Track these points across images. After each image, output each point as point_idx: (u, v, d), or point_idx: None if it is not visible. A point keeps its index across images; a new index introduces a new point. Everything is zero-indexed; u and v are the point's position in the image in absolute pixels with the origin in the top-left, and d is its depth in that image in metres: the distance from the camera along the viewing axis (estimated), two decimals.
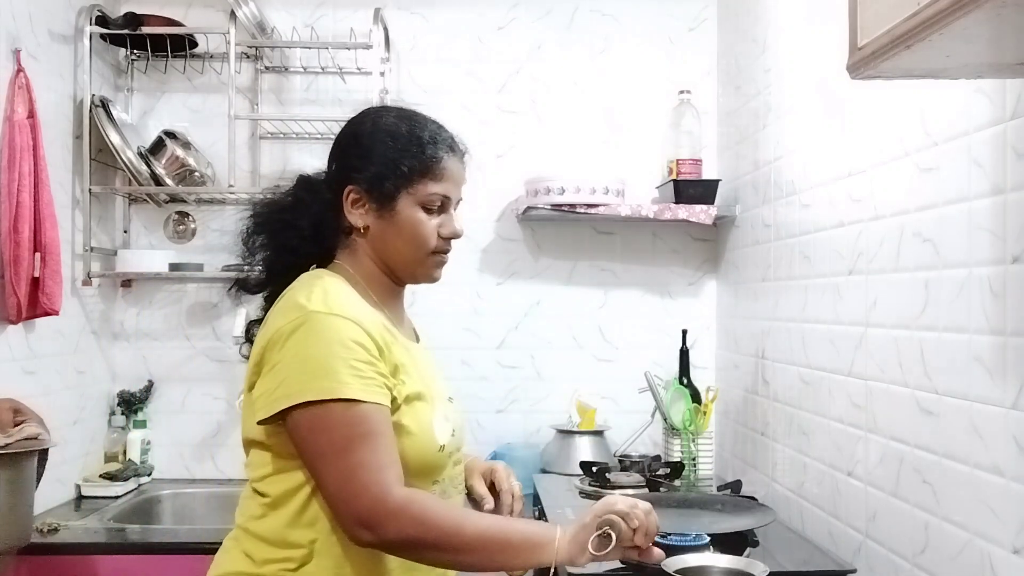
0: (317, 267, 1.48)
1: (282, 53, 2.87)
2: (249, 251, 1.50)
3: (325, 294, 1.36)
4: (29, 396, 2.29)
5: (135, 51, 2.80)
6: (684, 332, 2.71)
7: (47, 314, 2.28)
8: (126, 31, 2.62)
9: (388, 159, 1.44)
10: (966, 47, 0.98)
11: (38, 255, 2.24)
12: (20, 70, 2.23)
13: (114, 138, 2.59)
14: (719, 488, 2.32)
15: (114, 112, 2.62)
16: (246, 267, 1.51)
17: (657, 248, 2.90)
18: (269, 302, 1.49)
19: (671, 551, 1.63)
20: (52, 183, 2.31)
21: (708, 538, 1.68)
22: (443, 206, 1.48)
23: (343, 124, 1.55)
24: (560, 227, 2.87)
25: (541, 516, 2.08)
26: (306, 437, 1.30)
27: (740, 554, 1.67)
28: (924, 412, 1.50)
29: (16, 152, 2.17)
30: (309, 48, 2.82)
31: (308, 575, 1.33)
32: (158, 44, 2.71)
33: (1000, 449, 1.29)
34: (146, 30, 2.65)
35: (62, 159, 2.50)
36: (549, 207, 2.65)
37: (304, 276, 1.44)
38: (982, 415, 1.33)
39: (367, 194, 1.45)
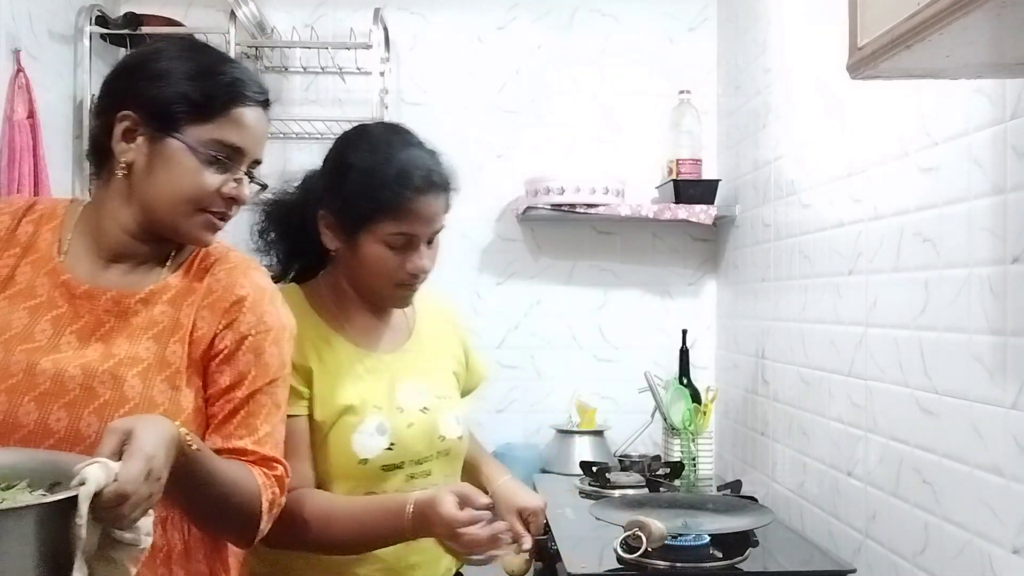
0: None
1: (282, 53, 2.87)
2: (267, 244, 1.57)
3: None
4: None
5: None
6: (684, 332, 2.71)
7: None
8: (126, 31, 2.62)
9: (350, 195, 1.44)
10: (966, 47, 0.98)
11: None
12: (20, 70, 2.22)
13: None
14: (719, 488, 2.32)
15: None
16: (273, 262, 1.57)
17: (657, 248, 2.90)
18: None
19: (672, 552, 1.63)
20: (52, 183, 2.31)
21: (708, 538, 1.68)
22: (410, 243, 1.46)
23: (343, 124, 1.57)
24: (560, 227, 2.87)
25: None
26: None
27: (741, 554, 1.67)
28: (924, 412, 1.50)
29: (16, 152, 2.17)
30: (309, 48, 2.82)
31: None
32: None
33: (1000, 449, 1.29)
34: (146, 30, 2.64)
35: (62, 159, 2.50)
36: (549, 207, 2.65)
37: None
38: (982, 415, 1.33)
39: (335, 222, 1.47)
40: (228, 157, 1.21)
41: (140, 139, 1.19)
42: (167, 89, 1.18)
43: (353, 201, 1.44)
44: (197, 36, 2.72)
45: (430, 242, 1.51)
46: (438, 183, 1.48)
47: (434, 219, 1.48)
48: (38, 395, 1.14)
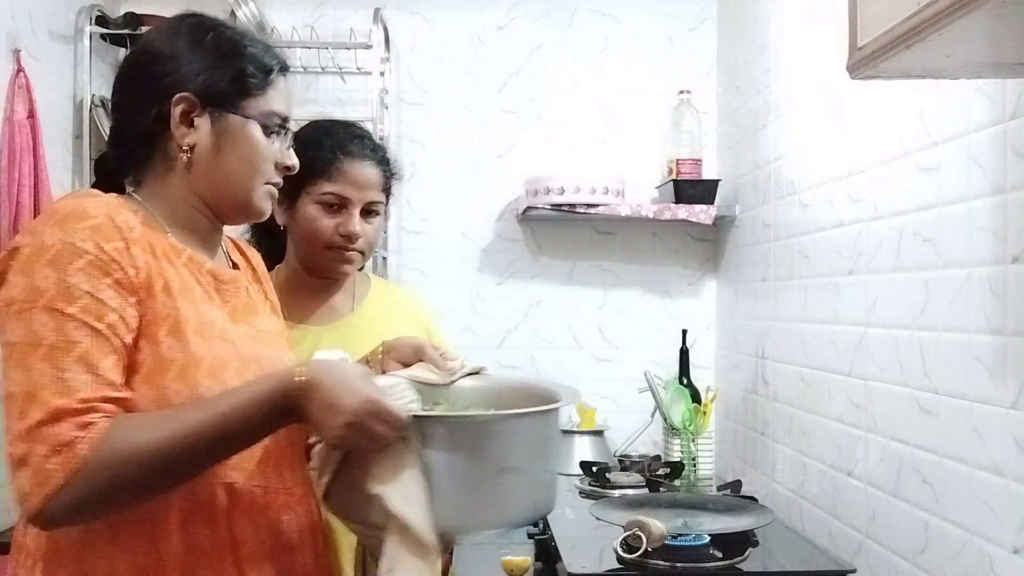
0: None
1: (282, 53, 2.86)
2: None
3: None
4: None
5: None
6: (684, 332, 2.71)
7: None
8: (126, 31, 2.62)
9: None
10: (966, 47, 0.98)
11: None
12: (20, 70, 2.23)
13: None
14: (719, 488, 2.32)
15: None
16: None
17: (657, 248, 2.90)
18: None
19: (672, 552, 1.63)
20: (52, 183, 2.31)
21: (708, 538, 1.68)
22: (343, 206, 1.60)
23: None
24: (560, 227, 2.87)
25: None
26: None
27: (741, 554, 1.67)
28: (924, 412, 1.50)
29: (16, 152, 2.17)
30: (309, 48, 2.82)
31: None
32: None
33: (1000, 449, 1.29)
34: (146, 30, 2.64)
35: (62, 159, 2.50)
36: (549, 207, 2.65)
37: None
38: (982, 415, 1.33)
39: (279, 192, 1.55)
40: (280, 126, 1.23)
41: (199, 121, 1.18)
42: (219, 69, 1.19)
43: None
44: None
45: (368, 215, 1.63)
46: (372, 154, 1.63)
47: (366, 186, 1.61)
48: None
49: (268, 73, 1.22)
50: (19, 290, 1.05)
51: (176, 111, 1.17)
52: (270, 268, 1.60)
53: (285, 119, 1.24)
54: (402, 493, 1.08)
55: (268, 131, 1.21)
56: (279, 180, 1.26)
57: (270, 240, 1.68)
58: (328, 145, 1.59)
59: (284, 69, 1.27)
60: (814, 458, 1.98)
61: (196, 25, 1.23)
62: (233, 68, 1.19)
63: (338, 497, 1.17)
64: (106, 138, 2.55)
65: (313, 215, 1.59)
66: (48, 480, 0.98)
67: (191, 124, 1.18)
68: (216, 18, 1.29)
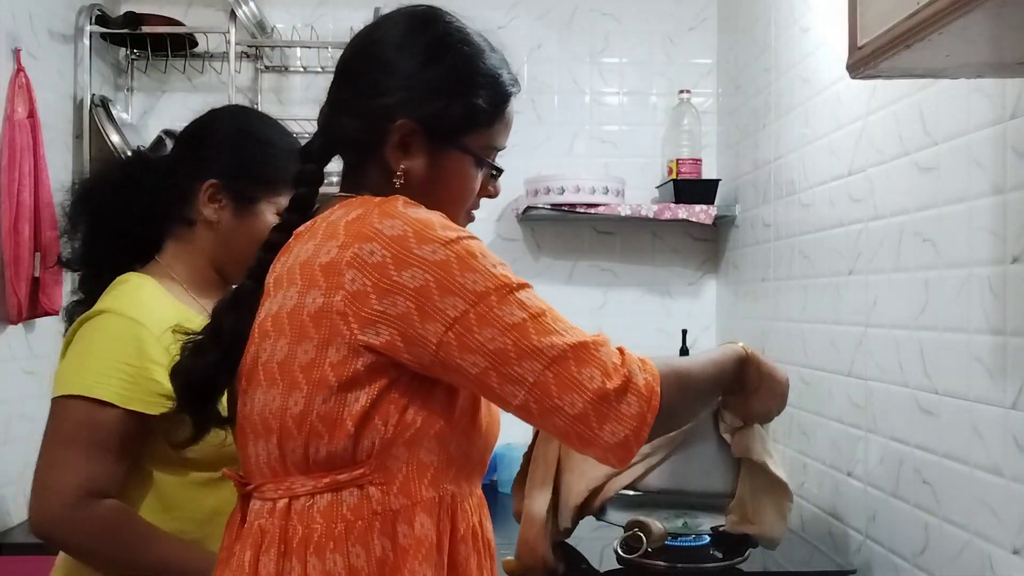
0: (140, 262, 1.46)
1: (282, 53, 2.87)
2: (72, 226, 1.49)
3: (122, 294, 1.38)
4: (29, 397, 2.29)
5: (135, 51, 2.80)
6: (684, 332, 2.71)
7: (47, 314, 2.28)
8: (126, 30, 2.62)
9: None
10: (966, 46, 0.98)
11: (38, 255, 2.23)
12: (20, 70, 2.22)
13: (114, 138, 2.59)
14: None
15: (114, 112, 2.62)
16: (73, 243, 1.50)
17: (657, 248, 2.90)
18: (87, 283, 1.49)
19: (672, 552, 1.63)
20: (52, 183, 2.31)
21: (708, 538, 1.68)
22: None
23: None
24: (560, 227, 2.87)
25: None
26: (48, 424, 1.31)
27: (741, 554, 1.67)
28: (924, 412, 1.50)
29: (16, 152, 2.17)
30: (309, 47, 2.82)
31: None
32: (158, 44, 2.70)
33: (1000, 449, 1.29)
34: (146, 29, 2.64)
35: (62, 159, 2.50)
36: (549, 207, 2.65)
37: (119, 279, 1.42)
38: (982, 415, 1.33)
39: (226, 192, 1.44)
40: (493, 157, 1.18)
41: (416, 149, 1.11)
42: (450, 101, 1.12)
43: (252, 169, 1.48)
44: (197, 35, 2.74)
45: None
46: None
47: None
48: None
49: (501, 104, 1.16)
50: (482, 278, 1.06)
51: (395, 137, 1.10)
52: (122, 267, 1.45)
53: (501, 149, 1.18)
54: (776, 459, 1.35)
55: (481, 164, 1.15)
56: (479, 205, 1.20)
57: (134, 229, 1.47)
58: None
59: (518, 92, 1.19)
60: (814, 458, 1.98)
61: (436, 38, 1.16)
62: (465, 102, 1.12)
63: (674, 470, 1.43)
64: (106, 138, 2.57)
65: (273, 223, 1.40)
66: (652, 393, 1.02)
67: (408, 150, 1.11)
68: (456, 24, 1.22)
